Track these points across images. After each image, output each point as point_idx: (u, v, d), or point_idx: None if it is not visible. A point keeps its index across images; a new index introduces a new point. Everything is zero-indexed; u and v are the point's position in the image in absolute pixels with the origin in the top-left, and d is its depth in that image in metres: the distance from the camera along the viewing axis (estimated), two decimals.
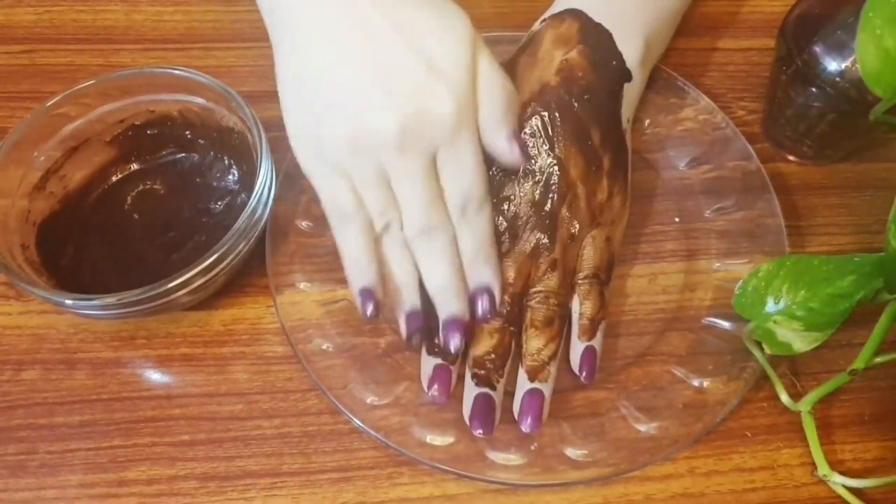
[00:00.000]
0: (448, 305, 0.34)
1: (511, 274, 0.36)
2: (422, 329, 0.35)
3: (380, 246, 0.34)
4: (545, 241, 0.36)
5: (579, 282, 0.37)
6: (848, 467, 0.35)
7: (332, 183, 0.33)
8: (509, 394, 0.35)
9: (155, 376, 0.37)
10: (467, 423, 0.34)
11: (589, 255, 0.37)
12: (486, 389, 0.34)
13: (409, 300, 0.35)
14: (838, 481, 0.34)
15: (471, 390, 0.34)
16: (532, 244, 0.36)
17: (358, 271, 0.34)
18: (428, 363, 0.35)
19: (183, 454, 0.34)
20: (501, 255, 0.36)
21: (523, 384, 0.35)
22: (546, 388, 0.34)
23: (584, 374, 0.35)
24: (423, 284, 0.35)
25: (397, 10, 0.32)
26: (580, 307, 0.36)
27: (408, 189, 0.33)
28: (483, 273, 0.35)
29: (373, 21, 0.32)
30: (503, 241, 0.37)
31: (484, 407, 0.34)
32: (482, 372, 0.34)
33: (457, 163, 0.33)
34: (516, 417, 0.34)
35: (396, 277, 0.35)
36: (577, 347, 0.36)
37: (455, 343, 0.34)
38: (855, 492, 0.34)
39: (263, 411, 0.36)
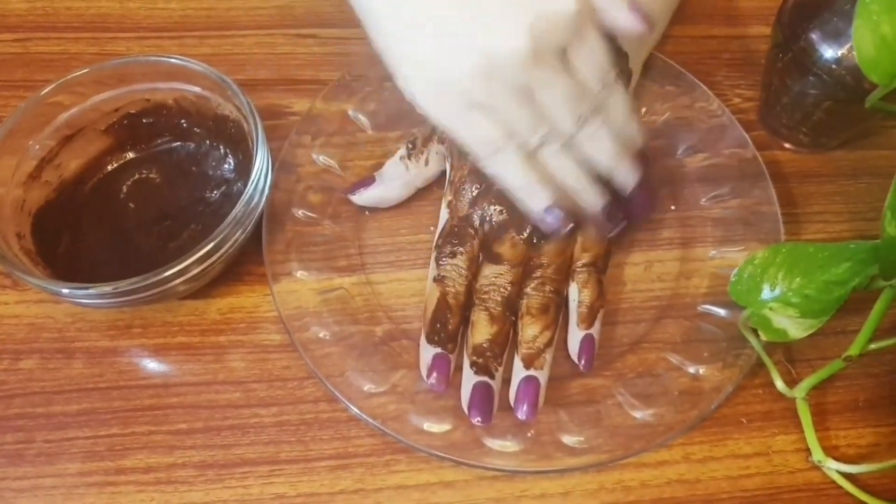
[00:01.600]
0: (628, 173, 0.35)
1: (511, 261, 0.36)
2: (616, 210, 0.35)
3: (543, 162, 0.34)
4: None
5: (577, 270, 0.37)
6: (842, 453, 0.36)
7: (473, 120, 0.32)
8: (506, 381, 0.35)
9: (152, 365, 0.37)
10: (466, 411, 0.34)
11: (587, 243, 0.37)
12: (484, 378, 0.34)
13: (593, 197, 0.35)
14: (833, 467, 0.34)
15: (469, 379, 0.34)
16: (529, 232, 0.36)
17: (531, 196, 0.34)
18: (427, 352, 0.35)
19: (181, 442, 0.35)
20: (501, 243, 0.36)
21: (519, 372, 0.35)
22: (542, 376, 0.35)
23: (582, 361, 0.35)
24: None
25: None
26: (579, 295, 0.37)
27: (552, 95, 0.32)
28: (638, 136, 0.36)
29: None
30: (501, 223, 0.37)
31: (482, 396, 0.34)
32: (480, 360, 0.34)
33: (588, 51, 0.32)
34: (512, 405, 0.34)
35: (571, 185, 0.34)
36: (576, 335, 0.36)
37: (645, 204, 0.37)
38: (849, 477, 0.34)
39: (261, 399, 0.36)
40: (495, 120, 0.32)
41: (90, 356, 0.37)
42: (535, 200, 0.34)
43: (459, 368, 0.35)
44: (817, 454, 0.35)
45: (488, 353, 0.35)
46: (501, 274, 0.36)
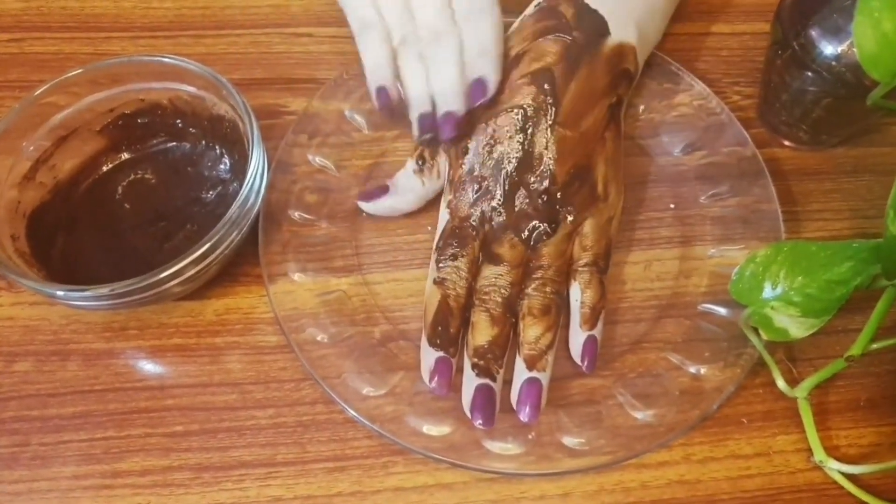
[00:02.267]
0: (447, 103, 0.37)
1: (511, 262, 0.36)
2: (429, 131, 0.38)
3: (398, 58, 0.38)
4: (542, 228, 0.36)
5: (579, 269, 0.37)
6: (843, 453, 0.35)
7: None
8: (506, 382, 0.35)
9: (148, 367, 0.37)
10: (467, 414, 0.34)
11: (587, 243, 0.37)
12: (486, 380, 0.34)
13: (422, 103, 0.38)
14: (834, 467, 0.34)
15: (471, 381, 0.34)
16: (528, 231, 0.36)
17: (376, 72, 0.38)
18: (429, 355, 0.35)
19: (177, 445, 0.34)
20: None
21: (521, 373, 0.34)
22: (544, 378, 0.34)
23: (585, 363, 0.35)
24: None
25: None
26: (581, 296, 0.36)
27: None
28: (481, 66, 0.38)
29: None
30: (501, 224, 0.36)
31: (485, 398, 0.33)
32: (482, 362, 0.34)
33: None
34: (514, 407, 0.34)
35: (411, 84, 0.38)
36: (578, 337, 0.36)
37: (447, 132, 0.37)
38: (851, 478, 0.34)
39: (257, 401, 0.36)
40: (373, 4, 0.38)
41: (85, 358, 0.36)
42: (375, 77, 0.38)
43: (460, 370, 0.35)
44: (819, 454, 0.34)
45: (489, 355, 0.34)
46: (501, 275, 0.36)
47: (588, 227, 0.37)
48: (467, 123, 0.38)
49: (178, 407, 0.35)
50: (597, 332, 0.36)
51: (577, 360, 0.36)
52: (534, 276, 0.36)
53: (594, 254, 0.37)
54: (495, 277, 0.36)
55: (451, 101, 0.37)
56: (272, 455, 0.34)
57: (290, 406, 0.35)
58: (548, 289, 0.36)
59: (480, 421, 0.33)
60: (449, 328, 0.35)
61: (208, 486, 0.33)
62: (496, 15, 0.38)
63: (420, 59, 0.38)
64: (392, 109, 0.38)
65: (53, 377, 0.36)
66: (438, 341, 0.34)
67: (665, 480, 0.34)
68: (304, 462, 0.34)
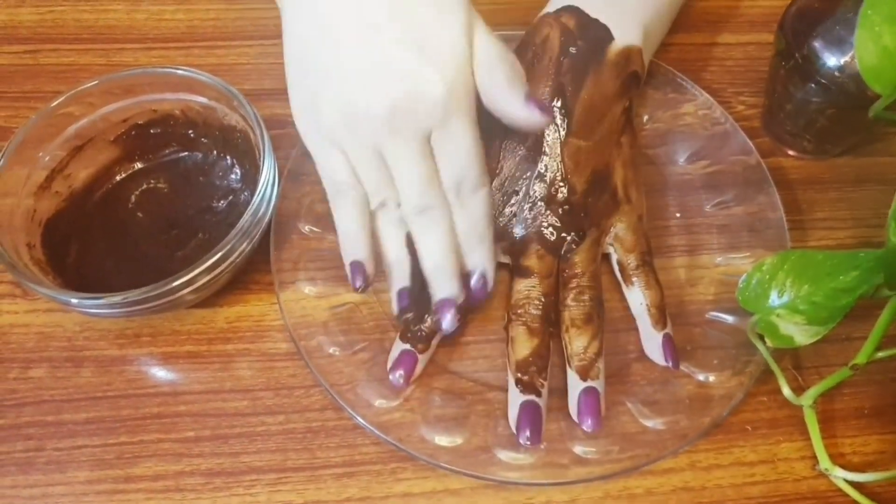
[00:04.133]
0: (442, 286, 0.34)
1: (541, 273, 0.37)
2: (410, 307, 0.35)
3: (375, 222, 0.35)
4: (570, 237, 0.37)
5: (631, 273, 0.37)
6: (848, 461, 0.36)
7: (328, 155, 0.34)
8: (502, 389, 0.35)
9: (160, 373, 0.37)
10: (513, 430, 0.34)
11: (628, 245, 0.38)
12: (531, 396, 0.34)
13: (400, 278, 0.35)
14: (839, 475, 0.34)
15: (516, 397, 0.34)
16: (555, 242, 0.37)
17: (350, 244, 0.35)
18: (396, 347, 0.36)
19: (189, 450, 0.35)
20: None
21: (576, 385, 0.35)
22: (599, 385, 0.35)
23: (670, 363, 0.36)
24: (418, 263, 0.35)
25: None
26: (643, 298, 0.37)
27: (403, 169, 0.33)
28: (476, 254, 0.35)
29: None
30: (523, 238, 0.37)
31: (532, 414, 0.34)
32: (526, 377, 0.34)
33: (450, 144, 0.33)
34: (575, 419, 0.34)
35: (389, 255, 0.35)
36: (654, 338, 0.36)
37: (447, 322, 0.34)
38: (855, 485, 0.34)
39: (268, 407, 0.36)
40: (348, 164, 0.33)
41: (99, 365, 0.37)
42: (348, 250, 0.35)
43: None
44: (824, 462, 0.35)
45: (532, 368, 0.34)
46: (534, 287, 0.36)
47: (622, 230, 0.38)
48: (465, 311, 0.35)
49: (190, 413, 0.36)
50: (670, 328, 0.36)
51: (661, 361, 0.36)
52: (569, 285, 0.37)
53: (640, 253, 0.38)
54: (528, 290, 0.36)
55: (447, 284, 0.34)
56: (282, 461, 0.35)
57: (299, 412, 0.36)
58: (585, 296, 0.36)
59: (528, 437, 0.33)
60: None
61: (219, 492, 0.34)
62: (488, 192, 0.34)
63: (399, 225, 0.34)
64: (369, 286, 0.35)
65: (68, 383, 0.36)
66: (409, 335, 0.36)
67: (670, 487, 0.35)
68: (313, 468, 0.35)
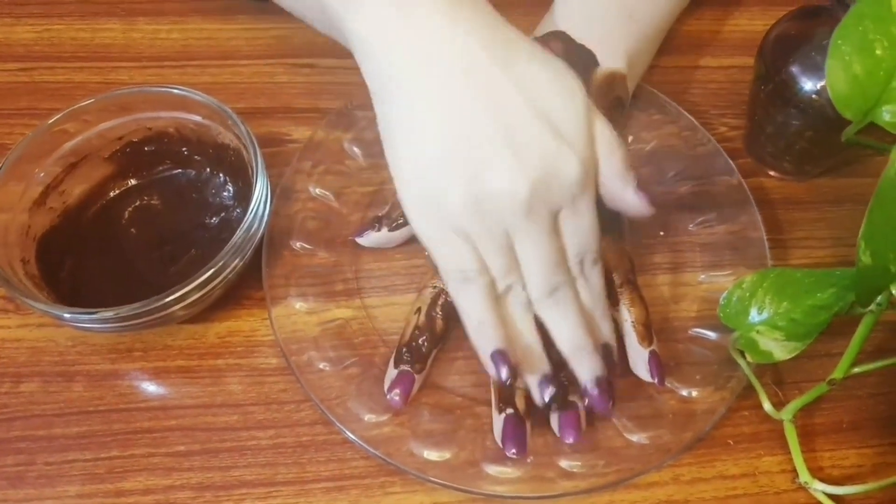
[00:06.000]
0: (588, 364, 0.34)
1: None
2: (557, 393, 0.34)
3: (504, 307, 0.34)
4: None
5: (617, 290, 0.38)
6: (827, 474, 0.36)
7: (454, 245, 0.32)
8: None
9: (151, 388, 0.37)
10: (499, 444, 0.35)
11: (610, 265, 0.38)
12: (512, 410, 0.35)
13: (541, 364, 0.34)
14: (818, 488, 0.35)
15: (498, 411, 0.35)
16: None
17: (486, 334, 0.33)
18: (393, 369, 0.36)
19: (179, 464, 0.35)
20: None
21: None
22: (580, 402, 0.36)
23: (656, 379, 0.36)
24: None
25: (511, 63, 0.31)
26: (629, 315, 0.37)
27: (533, 251, 0.32)
28: (605, 325, 0.35)
29: (491, 76, 0.31)
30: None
31: (514, 427, 0.35)
32: (506, 392, 0.35)
33: (578, 221, 0.33)
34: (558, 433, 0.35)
35: (523, 339, 0.34)
36: (641, 354, 0.37)
37: (604, 402, 0.34)
38: (834, 498, 0.35)
39: (258, 422, 0.36)
40: (474, 252, 0.32)
41: (91, 379, 0.37)
42: (485, 341, 0.33)
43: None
44: (804, 475, 0.35)
45: (510, 382, 0.34)
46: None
47: (604, 248, 0.38)
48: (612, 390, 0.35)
49: (181, 427, 0.36)
50: (655, 345, 0.37)
51: (647, 377, 0.36)
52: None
53: (624, 270, 0.38)
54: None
55: (591, 361, 0.34)
56: (272, 475, 0.35)
57: (289, 427, 0.36)
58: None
59: (514, 451, 0.34)
60: (421, 347, 0.36)
61: None
62: (602, 265, 0.35)
63: (528, 308, 0.34)
64: (516, 374, 0.33)
65: (59, 397, 0.37)
66: (407, 356, 0.36)
67: (654, 500, 0.35)
68: (303, 482, 0.35)
